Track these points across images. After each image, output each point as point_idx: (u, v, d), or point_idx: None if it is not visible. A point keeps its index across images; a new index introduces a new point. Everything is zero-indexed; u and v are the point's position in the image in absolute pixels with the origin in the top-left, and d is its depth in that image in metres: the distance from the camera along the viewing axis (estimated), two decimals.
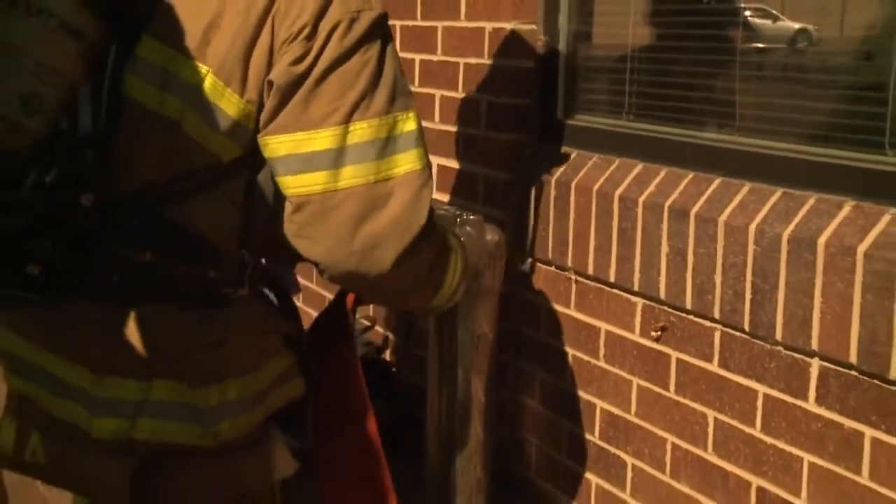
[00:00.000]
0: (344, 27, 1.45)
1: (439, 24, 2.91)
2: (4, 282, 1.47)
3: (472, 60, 2.78)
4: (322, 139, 1.46)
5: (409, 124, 1.52)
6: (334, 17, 1.45)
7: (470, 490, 2.53)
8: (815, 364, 1.92)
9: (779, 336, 1.97)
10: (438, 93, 2.89)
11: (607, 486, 2.51)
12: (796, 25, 2.23)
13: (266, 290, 1.66)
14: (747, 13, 2.27)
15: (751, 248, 2.01)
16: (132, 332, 1.50)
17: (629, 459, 2.43)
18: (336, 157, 1.46)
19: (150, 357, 1.49)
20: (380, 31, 1.50)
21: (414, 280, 1.60)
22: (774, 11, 2.24)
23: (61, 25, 1.40)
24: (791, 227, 1.93)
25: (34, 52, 1.40)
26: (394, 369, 3.28)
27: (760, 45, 2.27)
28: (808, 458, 1.95)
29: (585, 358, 2.54)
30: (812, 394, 1.93)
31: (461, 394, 2.50)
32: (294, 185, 1.48)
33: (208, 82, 1.45)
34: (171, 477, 1.56)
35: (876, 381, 1.80)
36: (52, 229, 1.46)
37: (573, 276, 2.55)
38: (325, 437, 1.78)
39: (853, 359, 1.82)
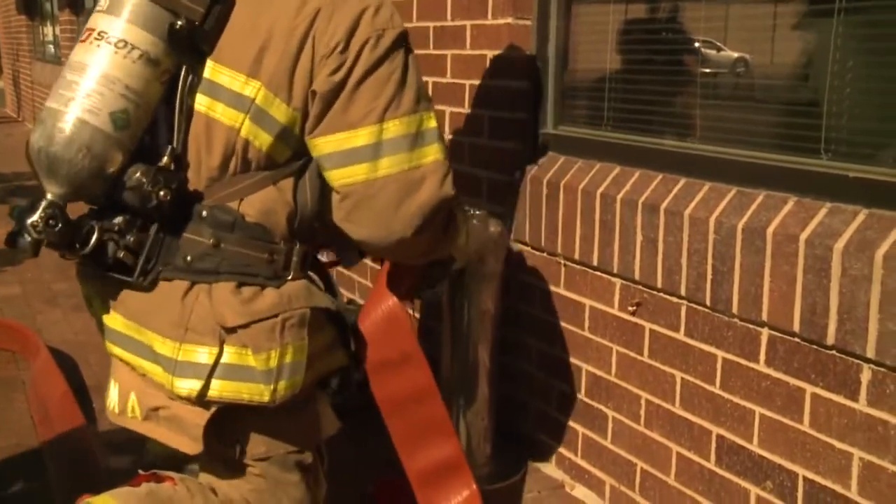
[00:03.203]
0: (372, 42, 1.47)
1: (448, 52, 2.91)
2: (106, 267, 1.51)
3: (476, 82, 2.78)
4: (361, 136, 1.48)
5: (431, 122, 1.54)
6: (363, 35, 1.47)
7: (478, 438, 2.55)
8: (765, 333, 1.93)
9: (735, 310, 1.97)
10: (448, 109, 2.89)
11: (591, 435, 2.52)
12: (735, 54, 2.25)
13: (311, 274, 1.68)
14: (697, 44, 2.29)
15: (711, 236, 2.01)
16: (202, 305, 1.52)
17: (610, 413, 2.44)
18: (374, 151, 1.48)
19: (216, 326, 1.51)
20: (402, 44, 1.52)
21: (435, 239, 1.62)
22: (718, 43, 2.26)
23: (141, 56, 1.44)
24: (744, 219, 1.94)
25: (123, 78, 1.43)
26: None
27: (710, 70, 2.28)
28: (759, 410, 1.96)
29: (573, 329, 2.54)
30: (762, 357, 1.94)
31: (469, 359, 2.52)
32: (339, 177, 1.50)
33: (261, 94, 1.48)
34: (239, 429, 1.59)
35: (815, 347, 1.81)
36: (140, 223, 1.49)
37: (562, 261, 2.55)
38: (382, 381, 1.77)
39: (796, 328, 1.83)
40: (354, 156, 1.49)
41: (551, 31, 2.63)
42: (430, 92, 2.96)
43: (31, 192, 1.50)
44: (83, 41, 1.47)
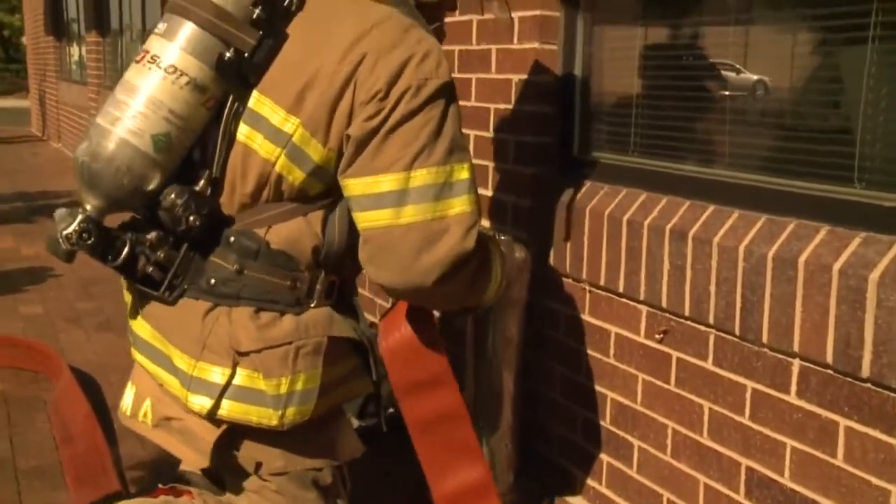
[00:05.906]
0: (412, 91, 1.46)
1: (473, 76, 2.90)
2: (134, 279, 1.55)
3: (502, 106, 2.77)
4: (388, 182, 1.47)
5: (463, 174, 1.52)
6: (405, 84, 1.46)
7: (501, 466, 2.52)
8: (797, 364, 1.89)
9: (765, 339, 1.94)
10: (473, 133, 2.88)
11: (617, 465, 2.48)
12: (755, 77, 2.23)
13: (335, 303, 1.66)
14: (726, 69, 2.27)
15: (740, 265, 1.98)
16: (221, 326, 1.55)
17: (636, 442, 2.41)
18: (399, 198, 1.47)
19: (232, 349, 1.54)
20: (444, 95, 1.51)
21: (460, 291, 1.60)
22: (737, 65, 2.24)
23: (189, 83, 1.46)
24: (775, 247, 1.91)
25: (168, 103, 1.46)
26: None
27: (739, 95, 2.26)
28: (790, 443, 1.92)
29: (598, 356, 2.51)
30: (794, 388, 1.90)
31: (493, 385, 2.50)
32: (364, 219, 1.50)
33: (298, 133, 1.49)
34: (256, 444, 1.60)
35: (849, 379, 1.77)
36: (173, 240, 1.54)
37: (587, 287, 2.53)
38: (411, 403, 1.75)
39: (829, 359, 1.79)
40: (380, 201, 1.48)
41: (577, 55, 2.63)
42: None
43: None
44: (138, 61, 1.52)
